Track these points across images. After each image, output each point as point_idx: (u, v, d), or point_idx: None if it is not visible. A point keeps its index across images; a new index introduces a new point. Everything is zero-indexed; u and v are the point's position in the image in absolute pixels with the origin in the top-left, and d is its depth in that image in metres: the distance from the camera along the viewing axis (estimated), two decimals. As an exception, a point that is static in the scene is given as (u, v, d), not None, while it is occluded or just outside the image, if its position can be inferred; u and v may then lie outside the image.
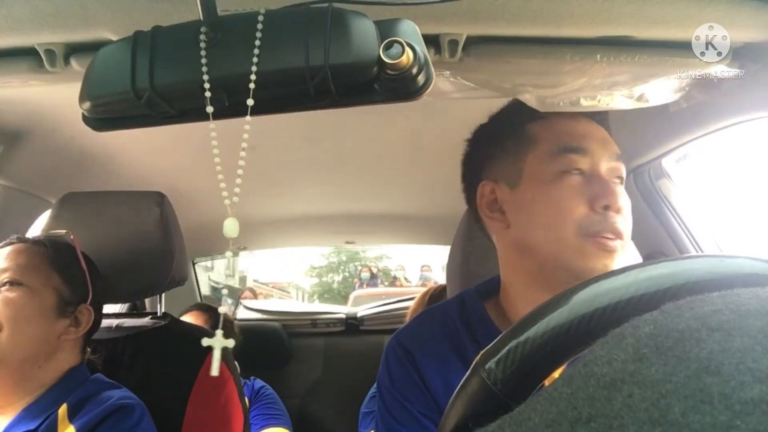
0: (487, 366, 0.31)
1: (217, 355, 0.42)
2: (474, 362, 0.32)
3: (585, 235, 0.62)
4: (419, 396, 0.67)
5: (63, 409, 0.75)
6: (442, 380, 0.67)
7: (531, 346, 0.30)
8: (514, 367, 0.30)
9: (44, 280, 0.80)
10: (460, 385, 0.32)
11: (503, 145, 0.70)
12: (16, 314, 0.76)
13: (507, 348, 0.30)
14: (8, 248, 0.82)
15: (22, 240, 0.84)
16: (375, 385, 1.70)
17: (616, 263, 0.62)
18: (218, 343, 0.42)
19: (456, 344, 0.69)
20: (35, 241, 0.85)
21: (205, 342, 0.43)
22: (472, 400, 0.31)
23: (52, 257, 0.83)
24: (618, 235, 0.62)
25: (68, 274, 0.84)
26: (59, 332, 0.81)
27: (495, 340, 0.32)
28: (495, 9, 0.61)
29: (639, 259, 1.20)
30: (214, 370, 0.41)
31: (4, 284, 0.78)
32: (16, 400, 0.76)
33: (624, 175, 0.67)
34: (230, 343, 0.43)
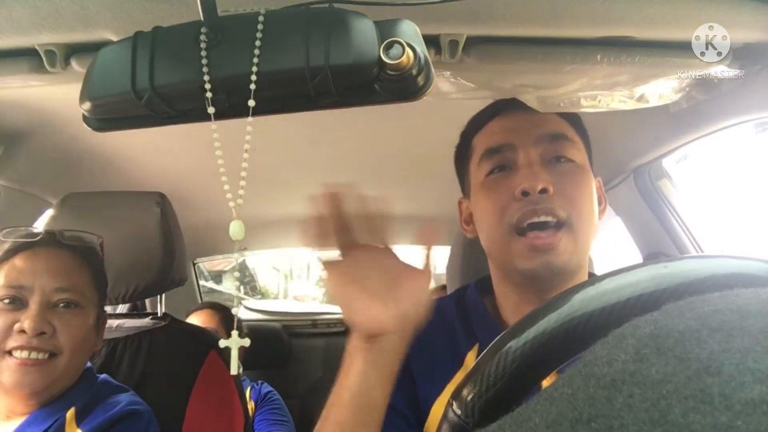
0: (458, 397, 0.30)
1: (234, 355, 0.42)
2: (449, 398, 0.32)
3: (514, 231, 0.61)
4: (396, 390, 0.67)
5: (71, 413, 0.74)
6: (428, 375, 0.67)
7: (494, 384, 0.29)
8: (484, 400, 0.29)
9: (93, 300, 0.79)
10: (438, 424, 0.32)
11: (462, 164, 0.74)
12: (74, 339, 0.73)
13: (477, 379, 0.30)
14: (57, 256, 0.77)
15: (64, 244, 0.79)
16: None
17: (560, 258, 0.60)
18: (234, 343, 0.43)
19: (449, 339, 0.69)
20: (81, 252, 0.80)
21: (222, 343, 0.43)
22: None
23: (96, 274, 0.81)
24: (547, 214, 0.60)
25: (103, 288, 0.83)
26: (94, 347, 0.81)
27: (466, 374, 0.31)
28: (495, 9, 0.61)
29: (639, 259, 1.20)
30: (233, 369, 0.42)
31: (62, 303, 0.74)
32: (33, 405, 0.74)
33: (569, 154, 0.65)
34: (246, 342, 0.43)
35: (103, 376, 0.84)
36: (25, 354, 0.69)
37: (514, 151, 0.65)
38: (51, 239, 0.79)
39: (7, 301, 0.72)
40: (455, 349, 0.67)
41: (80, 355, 0.76)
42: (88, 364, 0.83)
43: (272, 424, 1.66)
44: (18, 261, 0.75)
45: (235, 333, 0.43)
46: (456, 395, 0.31)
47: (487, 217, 0.65)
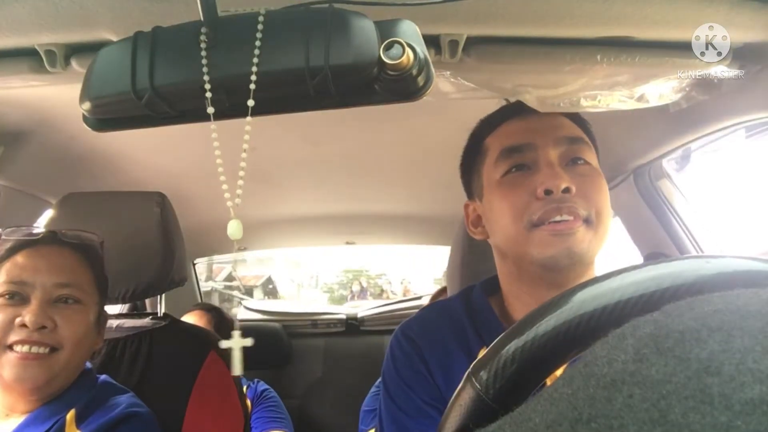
0: (478, 375, 0.31)
1: (237, 356, 0.42)
2: (467, 372, 0.32)
3: (533, 226, 0.62)
4: (424, 385, 0.68)
5: (71, 414, 0.74)
6: (446, 372, 0.67)
7: (522, 354, 0.30)
8: (505, 377, 0.30)
9: (93, 297, 0.79)
10: (454, 394, 0.32)
11: (472, 165, 0.74)
12: (75, 334, 0.74)
13: (497, 357, 0.30)
14: (58, 254, 0.77)
15: (65, 242, 0.79)
16: (376, 383, 1.69)
17: (580, 245, 0.61)
18: (237, 343, 0.43)
19: (461, 337, 0.69)
20: (82, 250, 0.80)
21: (224, 344, 0.43)
22: (465, 409, 0.31)
23: (96, 272, 0.81)
24: (570, 213, 0.61)
25: (103, 286, 0.83)
26: (94, 345, 0.81)
27: (486, 350, 0.32)
28: (495, 9, 0.61)
29: (639, 259, 1.20)
30: (237, 370, 0.42)
31: (63, 299, 0.75)
32: (33, 402, 0.74)
33: (586, 156, 0.67)
34: (248, 342, 0.43)
35: (104, 377, 0.84)
36: (26, 348, 0.70)
37: (535, 151, 0.65)
38: (52, 237, 0.80)
39: (8, 296, 0.72)
40: (467, 347, 0.68)
41: (81, 351, 0.76)
42: (88, 365, 0.83)
43: (269, 422, 1.65)
44: (20, 258, 0.75)
45: (236, 333, 0.43)
46: (477, 369, 0.31)
47: (505, 215, 0.65)
